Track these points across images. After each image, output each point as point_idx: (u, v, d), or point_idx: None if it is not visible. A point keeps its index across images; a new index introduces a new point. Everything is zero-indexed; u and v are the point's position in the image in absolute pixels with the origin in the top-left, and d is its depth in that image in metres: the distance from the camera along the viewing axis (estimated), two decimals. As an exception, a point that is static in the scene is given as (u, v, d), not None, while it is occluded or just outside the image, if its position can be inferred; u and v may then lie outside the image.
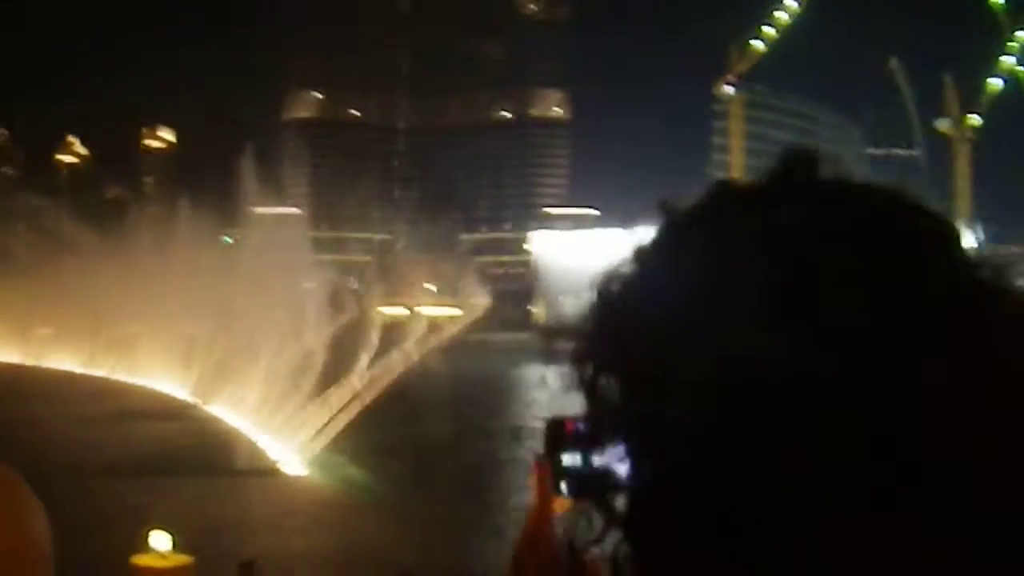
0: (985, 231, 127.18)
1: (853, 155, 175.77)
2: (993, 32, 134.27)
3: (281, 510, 25.06)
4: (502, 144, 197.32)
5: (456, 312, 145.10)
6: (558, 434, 1.43)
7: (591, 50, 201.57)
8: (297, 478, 30.07)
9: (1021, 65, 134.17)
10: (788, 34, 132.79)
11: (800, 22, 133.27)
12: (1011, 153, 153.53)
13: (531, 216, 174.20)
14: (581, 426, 1.28)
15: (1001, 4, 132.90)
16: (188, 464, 29.09)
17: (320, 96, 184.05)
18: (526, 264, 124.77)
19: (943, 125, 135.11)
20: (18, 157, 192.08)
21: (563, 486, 1.41)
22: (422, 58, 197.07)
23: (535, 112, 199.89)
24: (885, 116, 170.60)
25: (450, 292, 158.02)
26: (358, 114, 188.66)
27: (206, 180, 61.50)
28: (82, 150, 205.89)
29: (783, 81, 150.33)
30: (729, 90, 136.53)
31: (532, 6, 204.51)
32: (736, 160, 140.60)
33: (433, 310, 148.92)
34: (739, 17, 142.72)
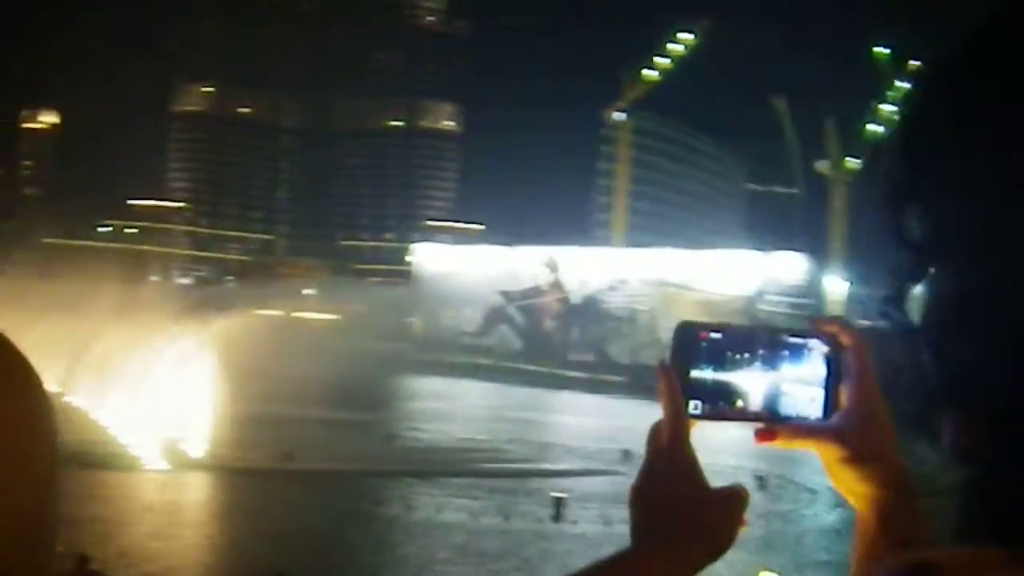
0: (855, 271, 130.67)
1: (733, 189, 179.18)
2: (875, 80, 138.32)
3: (139, 506, 24.68)
4: (390, 153, 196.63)
5: (334, 318, 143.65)
6: (688, 342, 1.30)
7: (487, 66, 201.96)
8: (158, 472, 29.61)
9: (899, 114, 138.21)
10: (681, 66, 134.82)
11: (694, 56, 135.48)
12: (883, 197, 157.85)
13: (415, 227, 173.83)
14: (715, 336, 1.30)
15: (883, 54, 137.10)
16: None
17: (210, 90, 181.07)
18: (407, 275, 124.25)
19: (823, 166, 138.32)
20: None
21: (690, 405, 1.30)
22: (317, 60, 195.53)
23: (426, 123, 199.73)
24: (766, 154, 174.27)
25: (328, 298, 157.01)
26: (248, 111, 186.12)
27: (88, 166, 60.06)
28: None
29: (673, 112, 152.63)
30: (619, 116, 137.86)
31: (431, 18, 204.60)
32: (621, 185, 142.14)
33: (310, 315, 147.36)
34: (635, 45, 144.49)
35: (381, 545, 22.89)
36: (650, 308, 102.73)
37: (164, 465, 30.48)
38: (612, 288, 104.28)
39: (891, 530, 1.24)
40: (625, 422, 53.90)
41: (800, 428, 1.24)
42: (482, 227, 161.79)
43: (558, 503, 25.60)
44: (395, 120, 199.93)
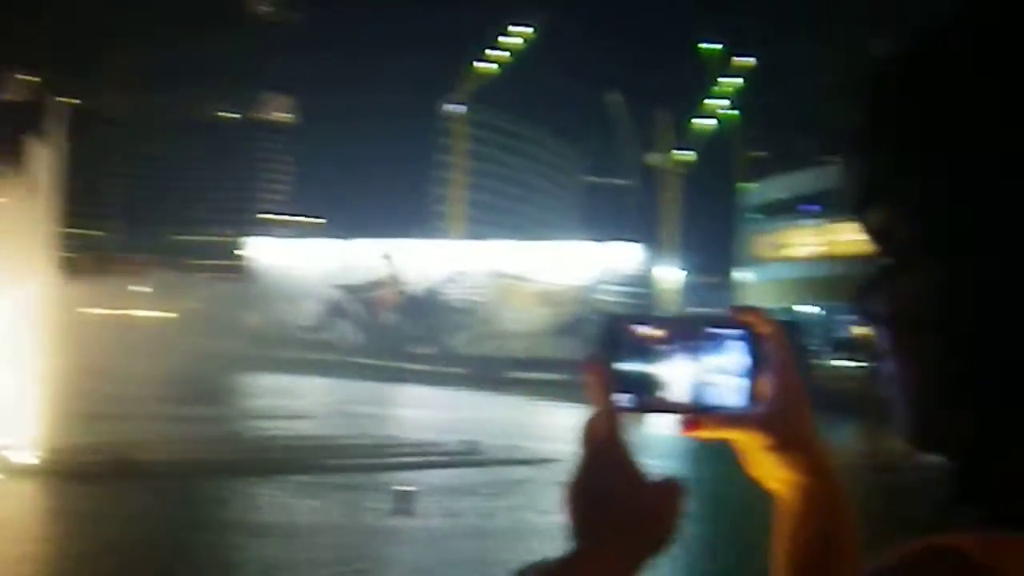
0: (689, 261, 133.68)
1: (570, 181, 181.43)
2: (707, 75, 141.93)
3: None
4: (224, 145, 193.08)
5: (168, 315, 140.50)
6: (615, 335, 1.29)
7: (323, 57, 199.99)
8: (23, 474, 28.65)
9: (729, 109, 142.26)
10: (518, 59, 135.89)
11: (530, 49, 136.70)
12: (714, 189, 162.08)
13: (251, 221, 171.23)
14: (642, 328, 1.30)
15: (711, 50, 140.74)
16: None
17: (34, 79, 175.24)
18: (244, 270, 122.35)
19: (655, 159, 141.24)
20: None
21: (619, 398, 1.28)
22: (147, 51, 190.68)
23: (261, 115, 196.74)
24: (602, 146, 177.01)
25: (163, 295, 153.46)
26: (76, 102, 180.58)
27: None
28: None
29: (508, 104, 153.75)
30: (456, 108, 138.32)
31: (264, 7, 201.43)
32: (459, 177, 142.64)
33: (144, 312, 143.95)
34: (472, 38, 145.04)
35: (225, 549, 22.51)
36: (489, 300, 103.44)
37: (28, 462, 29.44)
38: (451, 280, 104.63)
39: (816, 515, 1.26)
40: (468, 413, 54.11)
41: (725, 417, 1.26)
42: (320, 220, 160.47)
43: (404, 497, 25.54)
44: (229, 112, 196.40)
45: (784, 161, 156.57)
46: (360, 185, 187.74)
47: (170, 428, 37.49)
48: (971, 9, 0.89)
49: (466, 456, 36.75)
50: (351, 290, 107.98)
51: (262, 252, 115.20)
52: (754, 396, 1.28)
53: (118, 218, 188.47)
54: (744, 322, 1.30)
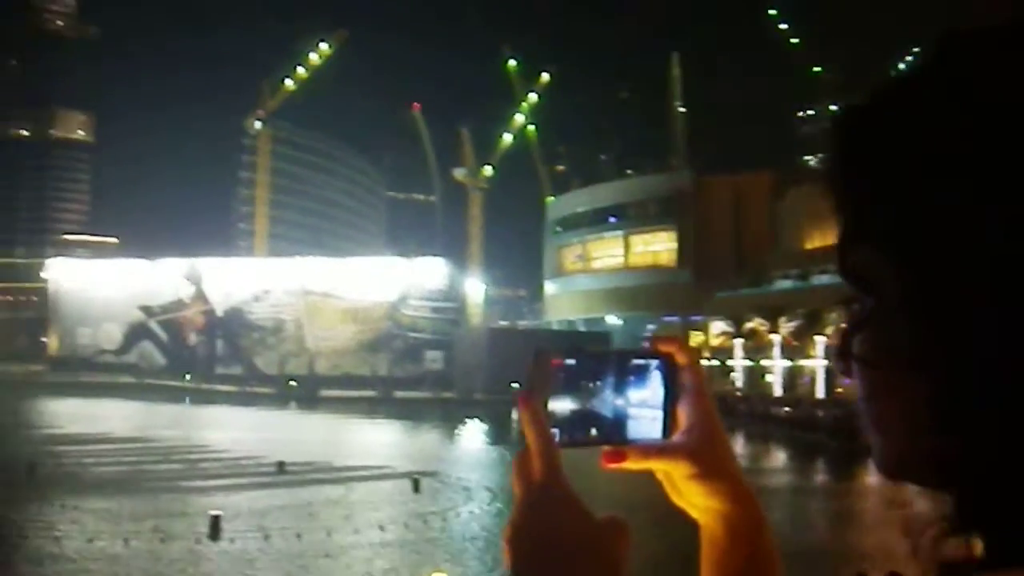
0: (494, 275, 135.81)
1: (375, 197, 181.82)
2: (507, 92, 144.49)
3: None
4: (17, 164, 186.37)
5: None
6: (543, 370, 1.30)
7: (121, 74, 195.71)
8: None
9: (529, 124, 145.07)
10: (318, 76, 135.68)
11: (330, 66, 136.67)
12: (517, 201, 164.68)
13: (47, 242, 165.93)
14: (569, 362, 1.29)
15: (514, 67, 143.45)
16: None
17: None
18: (40, 292, 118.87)
19: (459, 174, 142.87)
20: None
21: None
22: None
23: (56, 132, 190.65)
24: (405, 162, 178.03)
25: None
26: None
27: None
28: None
29: (311, 121, 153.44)
30: (257, 125, 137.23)
31: (58, 22, 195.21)
32: (262, 194, 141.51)
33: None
34: (273, 55, 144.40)
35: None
36: (296, 317, 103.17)
37: None
38: (256, 299, 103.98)
39: (741, 542, 1.27)
40: (277, 434, 54.31)
41: (648, 448, 1.26)
42: (118, 240, 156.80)
43: (214, 521, 25.93)
44: (22, 129, 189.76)
45: (583, 174, 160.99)
46: (161, 203, 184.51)
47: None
48: (943, 51, 0.91)
49: (275, 477, 37.17)
50: (154, 311, 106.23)
51: (60, 273, 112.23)
52: (670, 427, 1.29)
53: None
54: (662, 353, 1.31)
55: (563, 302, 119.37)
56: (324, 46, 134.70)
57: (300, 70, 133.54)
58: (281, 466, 38.66)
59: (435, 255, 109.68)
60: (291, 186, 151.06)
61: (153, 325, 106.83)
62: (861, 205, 0.94)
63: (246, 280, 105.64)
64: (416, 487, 32.03)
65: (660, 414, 1.29)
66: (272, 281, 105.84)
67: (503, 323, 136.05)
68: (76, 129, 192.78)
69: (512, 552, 1.22)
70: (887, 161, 0.92)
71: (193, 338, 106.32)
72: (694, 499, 1.28)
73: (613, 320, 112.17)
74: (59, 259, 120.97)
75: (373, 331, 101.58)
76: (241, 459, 42.28)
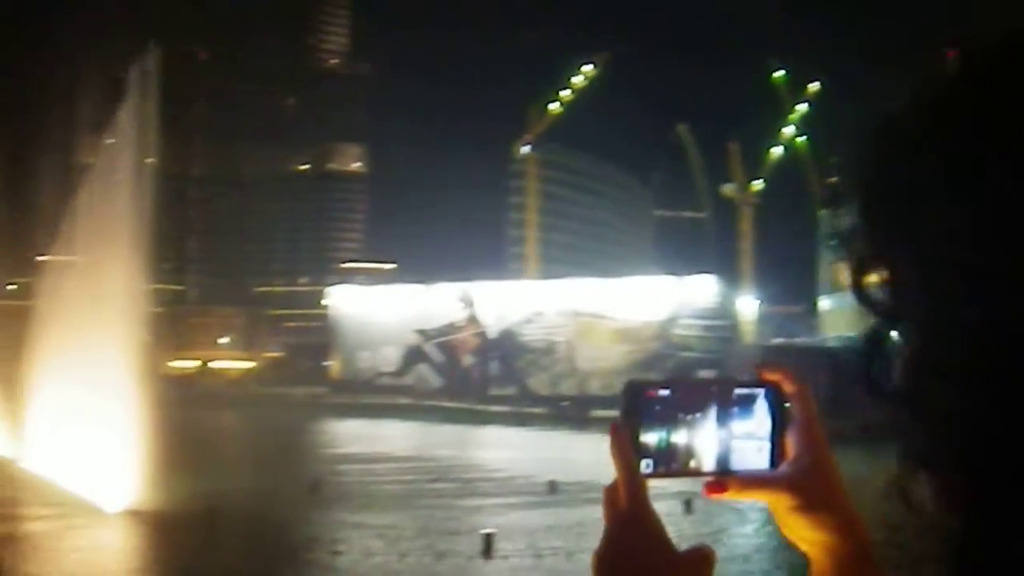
0: (767, 291, 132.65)
1: (643, 216, 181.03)
2: (775, 103, 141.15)
3: (61, 554, 24.33)
4: (299, 197, 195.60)
5: (250, 365, 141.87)
6: (636, 401, 1.29)
7: (392, 106, 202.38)
8: (83, 520, 29.34)
9: (799, 136, 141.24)
10: (583, 97, 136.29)
11: (595, 87, 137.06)
12: (789, 216, 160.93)
13: (328, 270, 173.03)
14: (664, 393, 1.29)
15: (780, 77, 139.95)
16: None
17: (110, 141, 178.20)
18: (322, 318, 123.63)
19: (729, 189, 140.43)
20: None
21: (641, 464, 1.29)
22: (219, 107, 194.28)
23: (334, 166, 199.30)
24: (673, 180, 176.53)
25: (244, 345, 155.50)
26: (151, 160, 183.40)
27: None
28: None
29: (578, 143, 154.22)
30: (526, 150, 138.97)
31: (333, 61, 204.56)
32: (532, 218, 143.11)
33: (226, 363, 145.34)
34: (538, 79, 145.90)
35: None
36: (567, 339, 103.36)
37: (87, 513, 30.19)
38: (528, 321, 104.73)
39: (843, 574, 1.23)
40: (549, 454, 54.13)
41: (749, 479, 1.24)
42: (395, 266, 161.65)
43: (487, 539, 25.68)
44: (302, 164, 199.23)
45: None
46: (434, 229, 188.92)
47: (253, 476, 38.03)
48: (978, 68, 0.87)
49: (546, 496, 36.82)
50: (429, 334, 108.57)
51: (341, 300, 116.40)
52: (778, 457, 1.26)
53: (199, 272, 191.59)
54: (769, 382, 1.28)
55: (839, 318, 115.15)
56: (588, 68, 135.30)
57: (565, 93, 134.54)
58: (553, 486, 38.27)
59: (706, 272, 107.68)
60: (560, 208, 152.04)
61: (429, 348, 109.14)
62: (892, 220, 0.90)
63: (518, 302, 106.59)
64: (688, 507, 30.99)
65: (767, 444, 1.26)
66: (543, 303, 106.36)
67: (778, 340, 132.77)
68: (352, 161, 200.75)
69: None
70: (924, 179, 0.88)
71: (467, 360, 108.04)
72: (800, 531, 1.24)
73: (894, 336, 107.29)
74: (339, 286, 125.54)
75: (644, 350, 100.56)
76: (514, 478, 42.22)
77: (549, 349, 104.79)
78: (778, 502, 1.24)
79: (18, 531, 26.92)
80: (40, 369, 42.73)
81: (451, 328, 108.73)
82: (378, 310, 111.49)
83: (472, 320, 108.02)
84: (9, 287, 54.78)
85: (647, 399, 1.30)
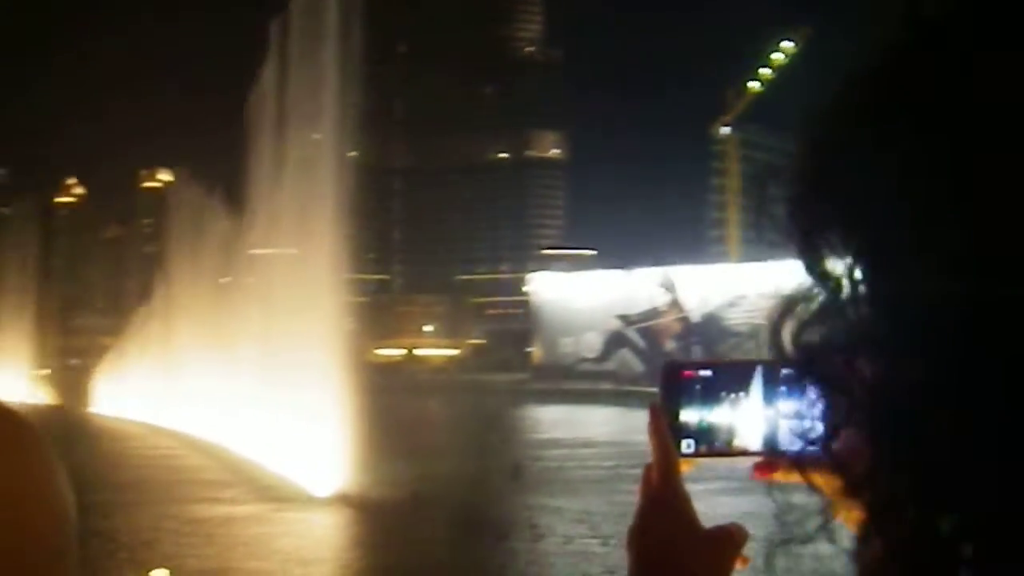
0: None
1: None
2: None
3: (257, 541, 24.93)
4: (499, 185, 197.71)
5: (453, 352, 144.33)
6: (674, 381, 1.30)
7: (588, 91, 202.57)
8: (324, 506, 30.07)
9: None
10: (783, 76, 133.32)
11: (795, 63, 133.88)
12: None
13: (528, 257, 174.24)
14: (704, 373, 1.30)
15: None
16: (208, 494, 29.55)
17: (316, 136, 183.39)
18: (523, 305, 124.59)
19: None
20: (17, 198, 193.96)
21: (682, 444, 1.31)
22: (418, 99, 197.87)
23: (532, 153, 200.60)
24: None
25: (447, 333, 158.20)
26: (354, 154, 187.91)
27: (204, 221, 61.90)
28: (80, 191, 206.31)
29: (778, 122, 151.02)
30: (725, 130, 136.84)
31: (529, 48, 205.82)
32: (732, 200, 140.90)
33: (430, 351, 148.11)
34: (735, 58, 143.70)
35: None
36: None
37: (296, 498, 30.95)
38: (731, 304, 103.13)
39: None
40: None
41: (800, 459, 1.22)
42: (595, 252, 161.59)
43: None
44: (501, 152, 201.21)
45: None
46: (633, 214, 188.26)
47: (455, 461, 38.42)
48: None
49: (744, 482, 36.03)
50: (631, 319, 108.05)
51: (542, 286, 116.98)
52: (829, 438, 1.19)
53: (403, 262, 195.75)
54: None
55: None
56: (788, 44, 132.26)
57: (765, 71, 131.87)
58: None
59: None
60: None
61: (631, 333, 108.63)
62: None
63: (720, 286, 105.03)
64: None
65: (817, 424, 1.22)
66: (746, 286, 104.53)
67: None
68: (550, 148, 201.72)
69: (628, 557, 1.27)
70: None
71: (670, 344, 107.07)
72: (854, 513, 1.20)
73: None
74: (540, 272, 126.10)
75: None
76: (714, 464, 41.49)
77: (753, 332, 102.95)
78: (829, 483, 1.20)
79: (230, 514, 27.79)
80: (250, 358, 44.15)
81: (653, 313, 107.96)
82: (579, 296, 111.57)
83: (674, 304, 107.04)
84: (221, 280, 56.82)
85: (686, 379, 1.30)
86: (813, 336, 0.93)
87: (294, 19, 47.01)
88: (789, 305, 0.95)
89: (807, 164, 0.92)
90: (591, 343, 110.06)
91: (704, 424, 1.30)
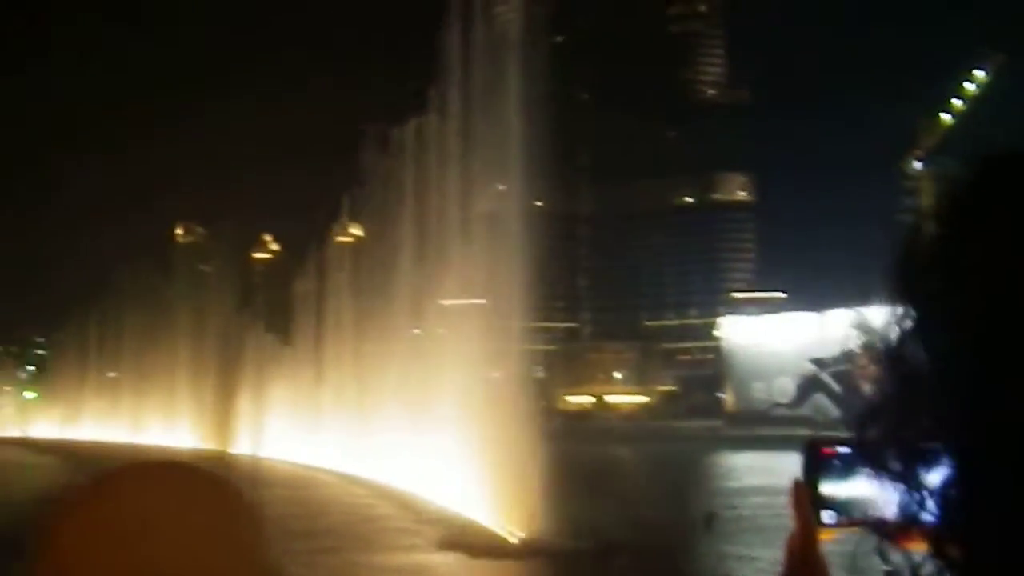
0: None
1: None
2: None
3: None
4: (686, 229, 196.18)
5: (643, 399, 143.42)
6: (815, 458, 1.41)
7: (773, 132, 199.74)
8: (516, 555, 30.11)
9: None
10: (976, 106, 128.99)
11: (989, 92, 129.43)
12: None
13: (718, 301, 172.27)
14: (842, 451, 1.42)
15: None
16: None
17: (502, 187, 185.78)
18: (714, 350, 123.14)
19: None
20: (216, 255, 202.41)
21: (822, 515, 1.39)
22: (603, 145, 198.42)
23: (718, 196, 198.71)
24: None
25: (637, 379, 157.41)
26: (540, 203, 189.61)
27: (393, 273, 63.24)
28: (275, 247, 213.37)
29: (974, 153, 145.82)
30: (917, 166, 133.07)
31: (711, 91, 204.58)
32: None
33: (620, 397, 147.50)
34: (925, 91, 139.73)
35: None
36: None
37: (486, 543, 31.00)
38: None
39: None
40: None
41: (932, 531, 1.24)
42: (785, 295, 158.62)
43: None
44: (687, 196, 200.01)
45: None
46: (824, 255, 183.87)
47: (645, 509, 37.98)
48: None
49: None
50: (826, 363, 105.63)
51: (732, 330, 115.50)
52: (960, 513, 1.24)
53: (591, 308, 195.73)
54: None
55: None
56: (980, 73, 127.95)
57: (956, 102, 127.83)
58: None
59: None
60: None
61: (825, 377, 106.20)
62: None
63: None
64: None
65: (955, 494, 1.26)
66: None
67: None
68: (736, 190, 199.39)
69: None
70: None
71: (867, 389, 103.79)
72: None
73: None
74: (730, 317, 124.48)
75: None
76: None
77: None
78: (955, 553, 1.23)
79: (426, 562, 28.03)
80: (441, 405, 44.66)
81: (848, 356, 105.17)
82: (771, 340, 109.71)
83: (870, 347, 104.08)
84: (414, 331, 57.86)
85: (825, 456, 1.41)
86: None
87: (476, 71, 47.83)
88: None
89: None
90: (784, 388, 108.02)
91: (843, 497, 1.38)
